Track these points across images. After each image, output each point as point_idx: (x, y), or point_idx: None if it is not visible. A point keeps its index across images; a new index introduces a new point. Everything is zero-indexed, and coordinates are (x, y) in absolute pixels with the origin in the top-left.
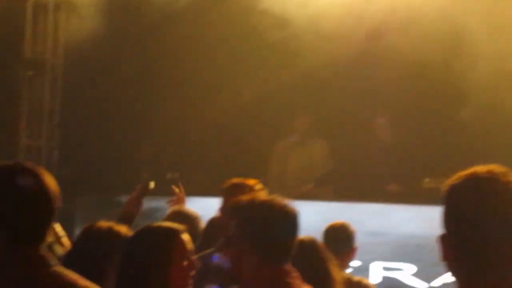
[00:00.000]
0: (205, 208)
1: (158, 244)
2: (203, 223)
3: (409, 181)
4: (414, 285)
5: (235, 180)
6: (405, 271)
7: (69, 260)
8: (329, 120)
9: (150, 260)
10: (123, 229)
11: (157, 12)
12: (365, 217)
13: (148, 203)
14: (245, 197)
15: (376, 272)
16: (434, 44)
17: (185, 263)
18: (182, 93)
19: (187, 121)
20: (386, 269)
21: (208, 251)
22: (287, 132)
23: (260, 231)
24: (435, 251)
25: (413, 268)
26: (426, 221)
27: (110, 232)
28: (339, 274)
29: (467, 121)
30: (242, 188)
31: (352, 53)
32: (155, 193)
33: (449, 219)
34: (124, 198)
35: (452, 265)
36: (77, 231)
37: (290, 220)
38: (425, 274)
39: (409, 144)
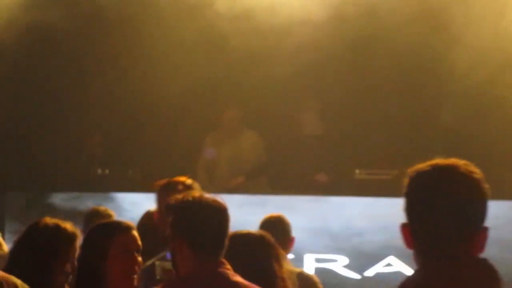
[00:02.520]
0: (134, 203)
1: (98, 239)
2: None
3: (340, 172)
4: (348, 276)
5: (167, 179)
6: (338, 262)
7: (15, 256)
8: (258, 112)
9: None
10: (69, 226)
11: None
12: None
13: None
14: (177, 195)
15: (310, 264)
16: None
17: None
18: (114, 86)
19: (118, 115)
20: (318, 260)
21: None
22: (217, 124)
23: (190, 227)
24: (367, 242)
25: (345, 260)
26: (359, 212)
27: (57, 228)
28: (288, 271)
29: (401, 112)
30: (175, 186)
31: (279, 41)
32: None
33: (410, 207)
34: (54, 195)
35: (414, 252)
36: (8, 227)
37: (220, 214)
38: (357, 265)
39: (340, 135)
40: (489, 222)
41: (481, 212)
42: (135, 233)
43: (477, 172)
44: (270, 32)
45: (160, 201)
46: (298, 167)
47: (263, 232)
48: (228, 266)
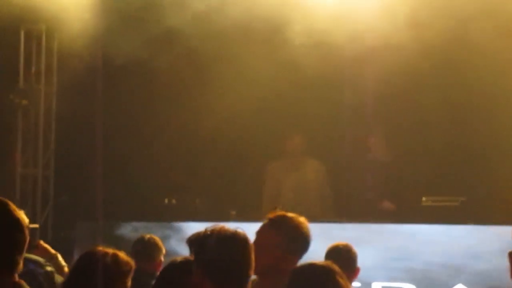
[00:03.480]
0: None
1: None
2: None
3: (406, 200)
4: None
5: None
6: None
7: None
8: (322, 140)
9: None
10: (122, 255)
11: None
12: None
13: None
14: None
15: None
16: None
17: None
18: (175, 114)
19: (185, 144)
20: None
21: None
22: (281, 153)
23: (212, 260)
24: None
25: None
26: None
27: (108, 256)
28: None
29: (464, 139)
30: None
31: (346, 70)
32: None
33: None
34: (123, 225)
35: None
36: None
37: (242, 246)
38: None
39: (405, 163)
40: None
41: None
42: None
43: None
44: (338, 60)
45: None
46: (365, 194)
47: (328, 263)
48: None
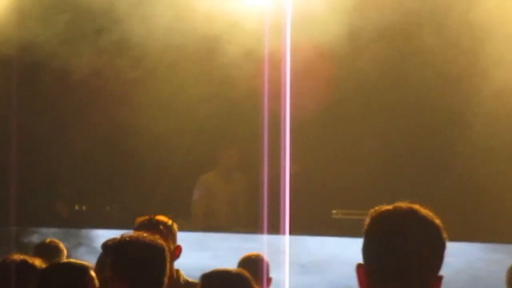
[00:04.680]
0: None
1: (67, 281)
2: None
3: (318, 212)
4: None
5: (148, 216)
6: None
7: None
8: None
9: None
10: (38, 262)
11: None
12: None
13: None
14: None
15: None
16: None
17: None
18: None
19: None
20: None
21: None
22: (211, 164)
23: (130, 268)
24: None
25: None
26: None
27: (24, 264)
28: None
29: (374, 151)
30: (156, 225)
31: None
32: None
33: (368, 247)
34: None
35: None
36: None
37: (158, 254)
38: None
39: (318, 176)
40: None
41: (439, 259)
42: (92, 273)
43: (437, 219)
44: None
45: None
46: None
47: (240, 270)
48: None
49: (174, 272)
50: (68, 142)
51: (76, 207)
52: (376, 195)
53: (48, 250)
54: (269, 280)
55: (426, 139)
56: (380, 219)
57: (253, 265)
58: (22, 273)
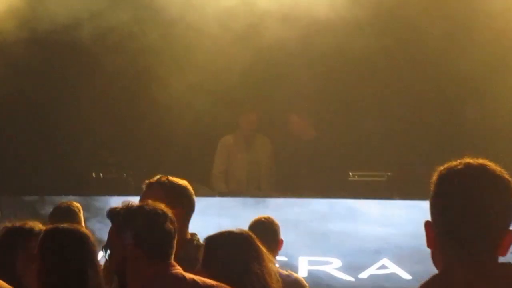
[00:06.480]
0: None
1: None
2: None
3: (333, 175)
4: (341, 278)
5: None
6: (332, 265)
7: None
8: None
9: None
10: (37, 226)
11: None
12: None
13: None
14: (125, 203)
15: (303, 267)
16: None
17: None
18: (107, 92)
19: (125, 118)
20: (312, 263)
21: None
22: (233, 128)
23: (146, 232)
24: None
25: (339, 262)
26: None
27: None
28: (271, 270)
29: (394, 115)
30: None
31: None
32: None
33: (437, 205)
34: (51, 199)
35: (435, 252)
36: None
37: (165, 219)
38: (351, 268)
39: (332, 138)
40: None
41: (509, 215)
42: (92, 239)
43: (506, 174)
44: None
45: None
46: (293, 169)
47: (244, 230)
48: (178, 267)
49: (188, 235)
50: (84, 112)
51: (94, 175)
52: (395, 156)
53: (63, 212)
54: (280, 242)
55: (442, 100)
56: (450, 176)
57: (264, 227)
58: (13, 238)
